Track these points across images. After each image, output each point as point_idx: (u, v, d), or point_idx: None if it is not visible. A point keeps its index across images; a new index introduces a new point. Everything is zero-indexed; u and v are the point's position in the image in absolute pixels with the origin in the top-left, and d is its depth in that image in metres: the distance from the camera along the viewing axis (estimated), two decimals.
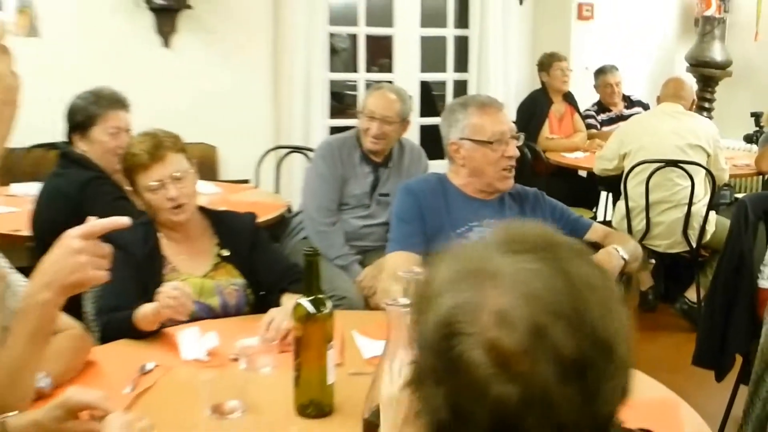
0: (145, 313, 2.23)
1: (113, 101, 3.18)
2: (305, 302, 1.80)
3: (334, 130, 5.81)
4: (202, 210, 2.63)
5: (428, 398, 0.92)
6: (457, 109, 2.71)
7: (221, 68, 5.49)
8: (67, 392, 1.61)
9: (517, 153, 2.69)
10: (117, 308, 2.32)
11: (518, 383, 0.85)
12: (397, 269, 2.53)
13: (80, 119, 3.15)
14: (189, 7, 5.27)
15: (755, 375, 2.62)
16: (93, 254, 1.50)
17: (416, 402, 0.95)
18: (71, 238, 1.49)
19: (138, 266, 2.42)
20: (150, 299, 2.38)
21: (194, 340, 2.19)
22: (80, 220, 3.07)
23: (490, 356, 0.86)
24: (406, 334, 1.53)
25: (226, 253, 2.57)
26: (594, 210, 6.00)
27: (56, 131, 3.32)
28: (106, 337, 2.31)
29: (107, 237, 2.48)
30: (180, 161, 2.52)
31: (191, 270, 2.52)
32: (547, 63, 6.17)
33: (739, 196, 4.76)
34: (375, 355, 2.07)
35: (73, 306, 2.92)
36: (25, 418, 1.50)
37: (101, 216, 2.92)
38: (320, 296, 1.80)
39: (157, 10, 5.24)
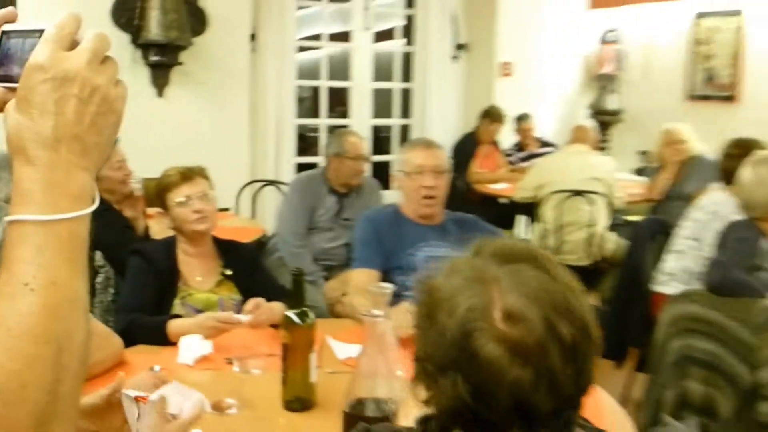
0: (181, 327, 2.19)
1: None
2: (292, 314, 1.77)
3: (300, 166, 5.82)
4: (213, 238, 2.60)
5: (448, 386, 0.92)
6: (403, 147, 2.74)
7: (207, 114, 5.40)
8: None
9: (433, 183, 2.61)
10: (136, 309, 2.29)
11: (532, 367, 0.88)
12: (360, 284, 2.52)
13: None
14: (180, 63, 5.20)
15: (653, 365, 2.66)
16: None
17: (429, 391, 0.96)
18: None
19: (158, 276, 2.42)
20: (164, 306, 2.35)
21: (192, 347, 2.13)
22: (92, 245, 2.98)
23: (504, 347, 0.89)
24: (380, 339, 1.53)
25: (229, 272, 2.54)
26: (512, 231, 6.05)
27: None
28: (125, 333, 2.21)
29: (137, 249, 2.46)
30: (205, 185, 2.53)
31: (199, 285, 2.50)
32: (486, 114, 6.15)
33: (630, 219, 4.84)
34: (349, 356, 2.06)
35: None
36: None
37: (110, 241, 2.89)
38: (305, 309, 1.78)
39: (153, 66, 5.16)
